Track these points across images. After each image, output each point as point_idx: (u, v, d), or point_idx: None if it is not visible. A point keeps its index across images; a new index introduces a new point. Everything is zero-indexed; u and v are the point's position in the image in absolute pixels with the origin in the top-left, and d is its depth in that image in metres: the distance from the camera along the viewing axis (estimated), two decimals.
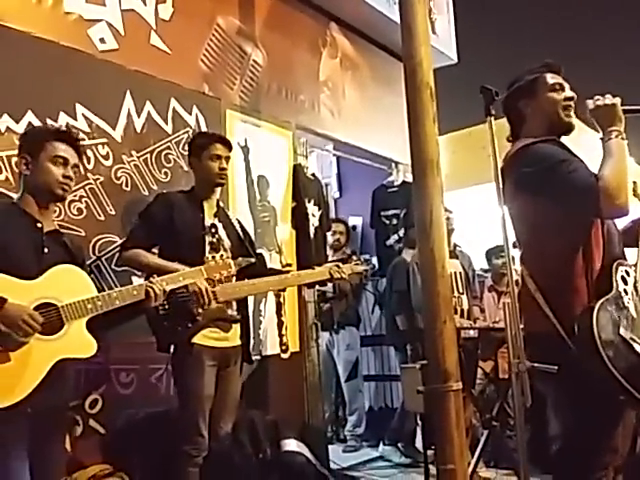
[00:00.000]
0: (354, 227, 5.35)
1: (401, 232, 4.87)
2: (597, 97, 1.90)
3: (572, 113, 2.02)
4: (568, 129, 2.03)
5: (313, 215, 4.10)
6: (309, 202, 4.04)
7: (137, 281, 2.89)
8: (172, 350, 2.54)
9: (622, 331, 1.79)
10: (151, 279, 2.08)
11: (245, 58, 3.81)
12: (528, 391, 1.79)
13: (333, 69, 4.53)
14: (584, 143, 2.18)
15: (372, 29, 4.73)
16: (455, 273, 3.85)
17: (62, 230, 2.21)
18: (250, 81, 3.82)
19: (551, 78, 2.03)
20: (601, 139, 1.88)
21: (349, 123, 4.59)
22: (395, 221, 4.95)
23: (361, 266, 3.10)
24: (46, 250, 1.98)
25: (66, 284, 1.94)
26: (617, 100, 1.89)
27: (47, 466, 1.94)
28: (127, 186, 3.03)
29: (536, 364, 1.78)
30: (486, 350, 3.75)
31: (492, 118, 1.92)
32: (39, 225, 2.01)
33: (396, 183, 4.96)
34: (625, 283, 1.87)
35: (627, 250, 2.04)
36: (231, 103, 3.65)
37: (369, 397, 4.87)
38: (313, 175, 4.27)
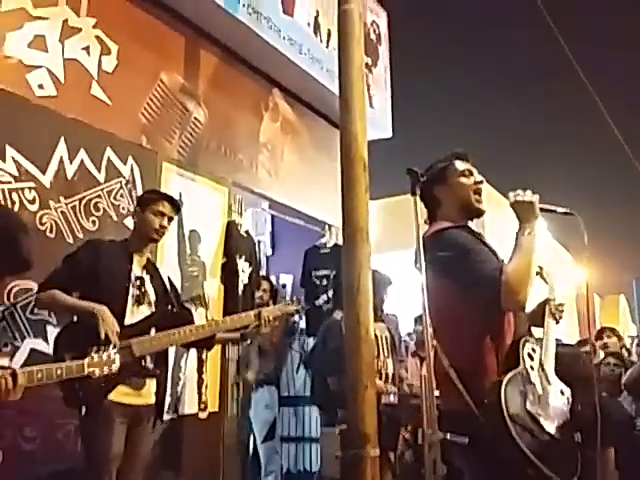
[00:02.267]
0: (284, 285, 5.38)
1: (330, 293, 4.92)
2: (518, 192, 2.01)
3: (481, 198, 2.15)
4: (478, 213, 2.15)
5: (243, 271, 4.11)
6: (240, 258, 4.05)
7: (52, 331, 2.79)
8: (82, 408, 2.44)
9: (529, 406, 1.85)
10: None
11: (186, 114, 3.87)
12: (440, 461, 1.82)
13: (273, 132, 4.66)
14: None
15: (313, 98, 4.94)
16: (381, 336, 3.90)
17: None
18: (190, 137, 3.88)
19: (460, 165, 2.17)
20: (515, 232, 1.98)
21: (285, 184, 4.69)
22: (325, 282, 5.01)
23: (292, 306, 3.08)
24: None
25: None
26: (535, 198, 1.99)
27: None
28: (51, 232, 2.97)
29: (448, 435, 1.82)
30: (406, 416, 3.78)
31: (417, 197, 2.01)
32: None
33: (328, 245, 5.05)
34: (532, 359, 1.95)
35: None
36: (168, 156, 3.68)
37: (287, 459, 4.78)
38: (246, 232, 4.30)
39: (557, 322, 2.23)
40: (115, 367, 2.13)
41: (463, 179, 2.15)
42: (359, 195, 3.06)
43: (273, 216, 5.53)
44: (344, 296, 2.99)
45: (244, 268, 4.14)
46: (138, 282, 2.62)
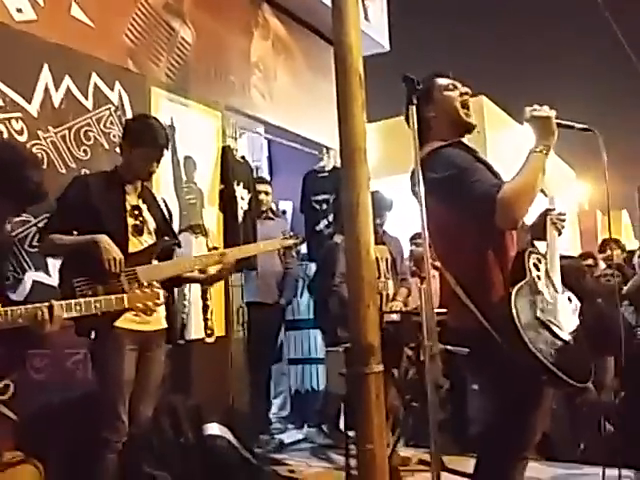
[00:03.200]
0: (284, 211, 5.34)
1: (330, 217, 4.89)
2: (535, 106, 1.93)
3: (470, 111, 2.09)
4: (469, 127, 2.10)
5: (242, 198, 4.06)
6: (238, 185, 4.00)
7: (53, 263, 2.78)
8: (92, 335, 2.47)
9: (539, 314, 1.86)
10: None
11: (173, 35, 3.70)
12: (440, 373, 1.85)
13: (265, 51, 4.48)
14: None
15: (305, 12, 4.71)
16: (381, 258, 3.91)
17: None
18: (178, 59, 3.72)
19: (443, 80, 2.12)
20: (529, 149, 1.91)
21: (280, 106, 4.56)
22: (325, 206, 4.97)
23: (290, 239, 3.09)
24: None
25: None
26: (552, 113, 1.91)
27: None
28: (43, 163, 2.89)
29: (449, 347, 1.84)
30: (409, 333, 3.85)
31: (414, 107, 1.94)
32: None
33: (327, 168, 4.97)
34: (537, 270, 1.95)
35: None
36: (157, 80, 3.55)
37: (295, 380, 4.91)
38: (243, 158, 4.22)
39: (560, 233, 2.20)
40: (160, 301, 2.18)
41: (447, 92, 2.09)
42: (355, 112, 2.94)
43: (270, 141, 5.41)
44: (343, 218, 2.95)
45: (243, 195, 4.09)
46: (135, 211, 2.58)
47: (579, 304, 2.04)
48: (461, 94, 2.09)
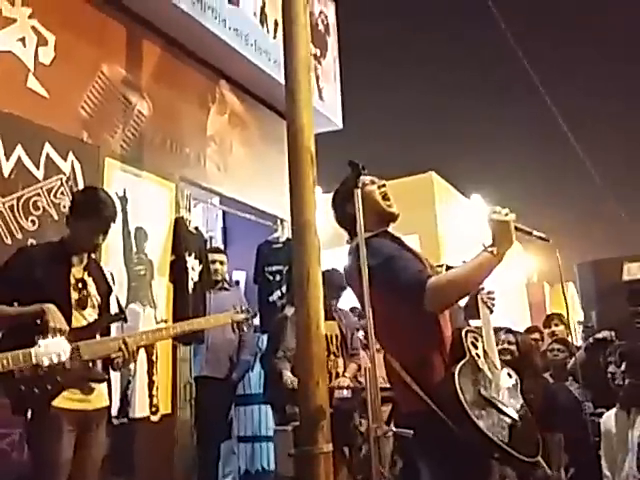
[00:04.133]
0: (237, 282, 5.30)
1: (284, 288, 4.88)
2: (495, 208, 2.00)
3: (391, 201, 2.22)
4: (392, 217, 2.22)
5: (193, 269, 4.02)
6: (190, 256, 3.96)
7: None
8: (28, 414, 2.34)
9: (483, 391, 1.88)
10: None
11: (129, 107, 3.75)
12: (388, 454, 1.83)
13: (221, 125, 4.57)
14: None
15: (260, 88, 4.86)
16: (331, 336, 3.88)
17: None
18: (133, 131, 3.76)
19: (362, 177, 2.19)
20: (482, 245, 1.98)
21: (235, 178, 4.61)
22: (279, 277, 4.96)
23: (242, 314, 3.05)
24: None
25: None
26: (511, 217, 1.97)
27: None
28: None
29: (394, 428, 1.83)
30: (360, 409, 3.79)
31: (359, 190, 2.04)
32: None
33: (281, 239, 5.00)
34: (475, 347, 1.99)
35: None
36: (111, 151, 3.56)
37: (245, 459, 4.73)
38: (196, 228, 4.21)
39: (491, 311, 2.25)
40: (65, 356, 2.04)
41: (367, 188, 2.20)
42: (306, 188, 3.03)
43: (224, 212, 5.44)
44: (295, 291, 2.96)
45: (194, 266, 4.05)
46: (80, 284, 2.52)
47: (518, 379, 2.07)
48: (379, 187, 2.23)
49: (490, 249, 1.94)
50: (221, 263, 4.50)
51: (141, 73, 3.86)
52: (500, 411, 1.88)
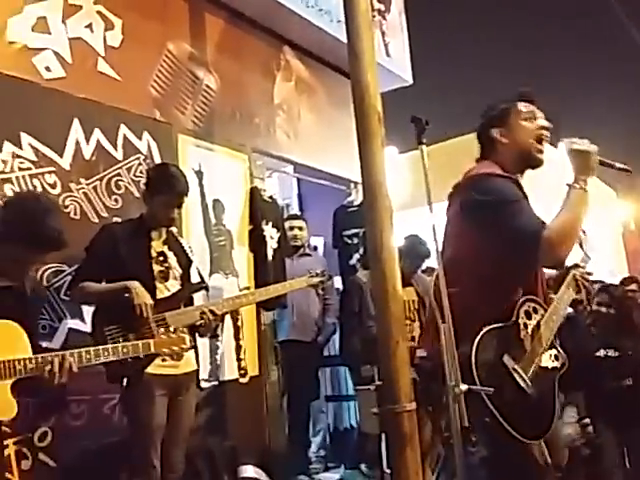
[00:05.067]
0: (315, 247, 5.35)
1: (362, 251, 4.88)
2: (574, 139, 1.89)
3: (543, 147, 2.00)
4: (536, 164, 2.02)
5: (271, 237, 4.10)
6: (267, 225, 4.04)
7: (88, 310, 2.85)
8: (123, 381, 2.50)
9: (506, 359, 1.82)
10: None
11: (197, 83, 3.82)
12: (465, 412, 1.80)
13: (288, 92, 4.57)
14: None
15: (324, 51, 4.80)
16: (408, 301, 3.86)
17: None
18: (203, 105, 3.83)
19: (524, 107, 2.01)
20: (567, 185, 1.87)
21: (306, 145, 4.62)
22: (356, 240, 4.97)
23: (317, 277, 3.10)
24: None
25: (1, 340, 1.91)
26: (593, 148, 1.87)
27: None
28: (76, 214, 3.00)
29: (473, 387, 1.79)
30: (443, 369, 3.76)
31: (424, 146, 1.91)
32: None
33: (356, 202, 4.98)
34: (529, 318, 1.89)
35: None
36: (183, 128, 3.66)
37: (333, 418, 4.85)
38: (271, 197, 4.28)
39: (578, 292, 2.13)
40: (186, 346, 2.21)
41: (525, 123, 1.99)
42: (375, 148, 2.97)
43: (298, 179, 5.48)
44: (369, 254, 2.95)
45: (272, 234, 4.13)
46: (161, 258, 2.64)
47: (565, 363, 1.98)
48: (539, 127, 2.00)
49: (577, 184, 1.84)
50: (300, 229, 4.56)
51: (206, 47, 3.91)
52: (515, 383, 1.82)
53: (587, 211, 1.84)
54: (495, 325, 1.84)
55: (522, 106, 2.01)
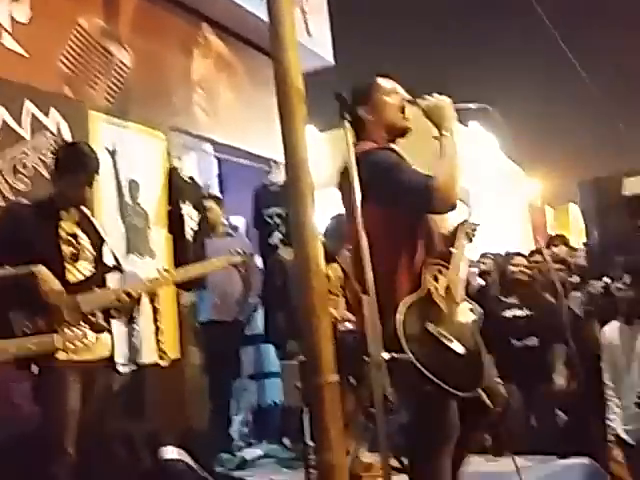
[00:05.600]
0: (235, 227, 5.32)
1: (283, 230, 4.91)
2: (427, 97, 2.05)
3: (406, 115, 2.15)
4: (404, 131, 2.16)
5: (191, 219, 4.05)
6: (185, 205, 3.98)
7: None
8: (34, 368, 2.42)
9: (428, 326, 1.93)
10: None
11: (110, 59, 3.69)
12: (387, 380, 1.87)
13: (207, 70, 4.50)
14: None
15: (246, 29, 4.73)
16: (334, 277, 3.94)
17: None
18: (117, 82, 3.71)
19: (384, 83, 2.16)
20: (434, 137, 2.02)
21: (226, 124, 4.57)
22: (278, 220, 4.99)
23: (237, 257, 3.10)
24: None
25: None
26: (445, 100, 2.04)
27: None
28: None
29: (395, 354, 1.87)
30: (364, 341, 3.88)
31: (347, 123, 1.98)
32: None
33: (276, 182, 4.99)
34: (436, 281, 2.01)
35: None
36: (95, 105, 3.53)
37: (256, 395, 4.90)
38: (190, 178, 4.21)
39: (470, 241, 2.28)
40: (89, 341, 2.17)
41: (388, 98, 2.13)
42: (297, 127, 2.98)
43: (219, 158, 5.41)
44: (292, 231, 2.98)
45: (192, 215, 4.07)
46: (72, 239, 2.55)
47: (481, 313, 2.11)
48: (401, 99, 2.14)
49: (443, 133, 2.00)
50: (216, 209, 4.52)
51: (119, 23, 3.78)
52: (443, 346, 1.92)
53: (458, 154, 2.01)
54: (411, 299, 1.94)
55: (382, 82, 2.17)
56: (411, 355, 1.83)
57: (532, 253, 5.37)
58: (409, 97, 2.16)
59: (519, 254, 4.50)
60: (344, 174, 2.07)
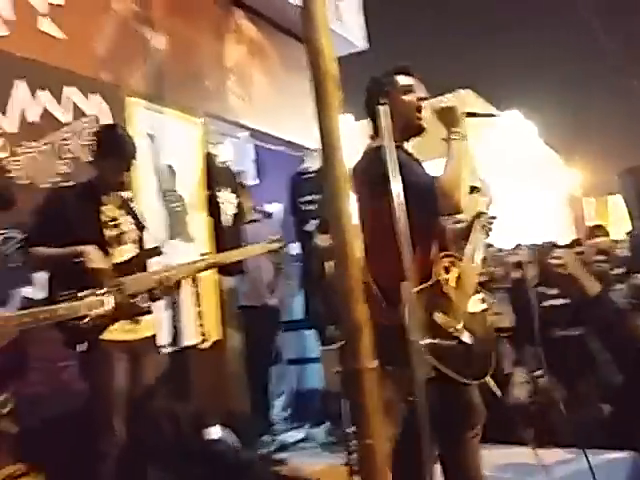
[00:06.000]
0: (270, 214, 5.32)
1: (318, 217, 4.89)
2: (438, 99, 2.08)
3: (422, 114, 2.14)
4: (419, 131, 2.16)
5: (229, 203, 4.06)
6: (221, 191, 3.99)
7: (39, 277, 2.77)
8: (81, 347, 2.45)
9: (436, 315, 1.94)
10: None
11: (145, 44, 3.71)
12: (428, 367, 1.85)
13: (239, 55, 4.49)
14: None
15: (276, 14, 4.71)
16: None
17: None
18: (152, 67, 3.72)
19: (403, 80, 2.14)
20: (443, 139, 2.03)
21: (260, 110, 4.56)
22: (312, 207, 4.97)
23: (274, 243, 3.10)
24: None
25: None
26: (454, 103, 2.06)
27: None
28: (23, 179, 2.90)
29: (434, 340, 1.86)
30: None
31: (382, 107, 1.92)
32: None
33: (312, 169, 4.96)
34: (447, 272, 2.02)
35: None
36: (132, 90, 3.55)
37: (295, 380, 4.91)
38: (224, 163, 4.22)
39: (487, 235, 2.28)
40: (109, 307, 2.19)
41: (405, 96, 2.13)
42: (332, 113, 2.95)
43: (255, 145, 5.41)
44: (328, 219, 2.97)
45: (230, 200, 4.08)
46: (113, 222, 2.58)
47: (493, 301, 2.12)
48: (418, 99, 2.14)
49: (453, 136, 2.01)
50: (245, 196, 4.52)
51: (153, 7, 3.79)
52: (450, 335, 1.93)
53: (470, 157, 2.02)
54: (419, 287, 1.94)
55: (401, 79, 2.15)
56: (416, 344, 1.82)
57: (572, 244, 5.25)
58: (425, 96, 2.15)
59: (559, 245, 4.41)
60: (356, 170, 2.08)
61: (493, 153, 7.89)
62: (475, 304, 2.06)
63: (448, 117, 2.04)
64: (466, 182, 1.97)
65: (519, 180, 8.84)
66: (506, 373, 4.18)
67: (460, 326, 1.97)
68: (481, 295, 2.10)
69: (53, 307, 2.12)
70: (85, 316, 2.21)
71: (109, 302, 2.23)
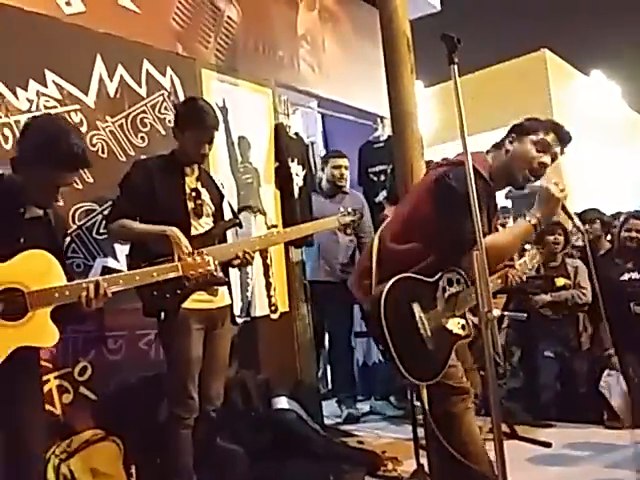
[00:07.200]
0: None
1: (389, 187, 4.81)
2: (553, 181, 2.01)
3: (533, 180, 2.11)
4: (518, 187, 2.16)
5: (297, 175, 4.05)
6: (292, 162, 3.99)
7: (121, 249, 2.88)
8: (160, 316, 2.54)
9: (415, 305, 1.96)
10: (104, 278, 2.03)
11: (219, 15, 3.70)
12: (497, 339, 1.84)
13: (311, 22, 4.41)
14: None
15: None
16: None
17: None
18: (225, 39, 3.72)
19: (542, 134, 2.08)
20: (523, 215, 2.05)
21: (331, 78, 4.49)
22: (383, 177, 4.89)
23: (348, 217, 3.08)
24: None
25: (36, 270, 1.91)
26: (563, 194, 2.00)
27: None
28: (103, 153, 2.98)
29: (506, 313, 1.83)
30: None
31: (455, 66, 1.83)
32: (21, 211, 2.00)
33: (382, 138, 4.88)
34: (450, 285, 2.03)
35: None
36: (206, 62, 3.56)
37: (362, 353, 4.92)
38: (296, 134, 4.20)
39: (502, 283, 2.37)
40: (211, 268, 2.22)
41: (532, 147, 2.08)
42: (405, 76, 2.87)
43: (324, 115, 5.36)
44: (398, 184, 2.90)
45: (298, 171, 4.08)
46: (194, 194, 2.62)
47: (470, 334, 2.10)
48: (540, 162, 2.08)
49: (532, 220, 1.99)
50: (346, 168, 4.50)
51: None
52: (417, 330, 1.95)
53: (525, 241, 2.13)
54: (416, 276, 1.98)
55: (541, 133, 2.08)
56: (384, 319, 1.89)
57: None
58: (549, 164, 2.11)
59: (634, 216, 4.16)
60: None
61: (576, 118, 7.49)
62: (454, 324, 2.05)
63: (548, 203, 2.01)
64: (508, 257, 2.08)
65: (603, 141, 8.39)
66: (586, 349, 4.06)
67: (428, 326, 1.99)
68: (464, 321, 2.08)
69: (149, 269, 2.14)
70: (185, 277, 2.23)
71: (210, 262, 2.23)
